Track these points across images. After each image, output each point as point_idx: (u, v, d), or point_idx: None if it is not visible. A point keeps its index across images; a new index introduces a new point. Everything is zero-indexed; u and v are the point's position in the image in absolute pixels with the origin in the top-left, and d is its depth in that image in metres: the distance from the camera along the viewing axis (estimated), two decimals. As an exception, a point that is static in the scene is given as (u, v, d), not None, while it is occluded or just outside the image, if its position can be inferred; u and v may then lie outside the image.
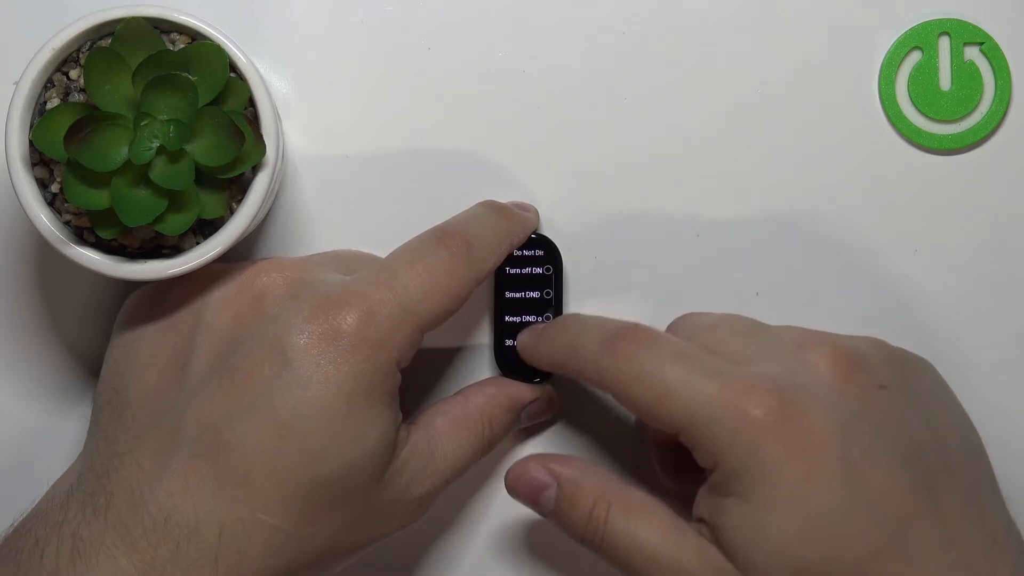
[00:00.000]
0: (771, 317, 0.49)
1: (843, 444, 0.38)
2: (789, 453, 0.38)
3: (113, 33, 0.41)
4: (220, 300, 0.43)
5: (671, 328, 0.44)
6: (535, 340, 0.45)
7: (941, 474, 0.40)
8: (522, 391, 0.47)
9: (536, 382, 0.48)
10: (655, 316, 0.49)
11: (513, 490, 0.44)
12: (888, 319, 0.49)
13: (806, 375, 0.40)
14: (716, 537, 0.39)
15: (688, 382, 0.39)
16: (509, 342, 0.47)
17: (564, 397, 0.49)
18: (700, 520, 0.40)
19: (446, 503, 0.49)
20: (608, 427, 0.49)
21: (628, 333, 0.41)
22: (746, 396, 0.39)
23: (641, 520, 0.41)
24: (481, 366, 0.49)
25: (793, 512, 0.38)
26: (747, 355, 0.41)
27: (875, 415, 0.39)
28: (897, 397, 0.40)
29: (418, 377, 0.49)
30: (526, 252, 0.47)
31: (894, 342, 0.49)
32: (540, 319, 0.47)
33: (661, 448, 0.46)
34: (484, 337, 0.49)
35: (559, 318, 0.46)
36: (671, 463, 0.46)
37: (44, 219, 0.41)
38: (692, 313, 0.44)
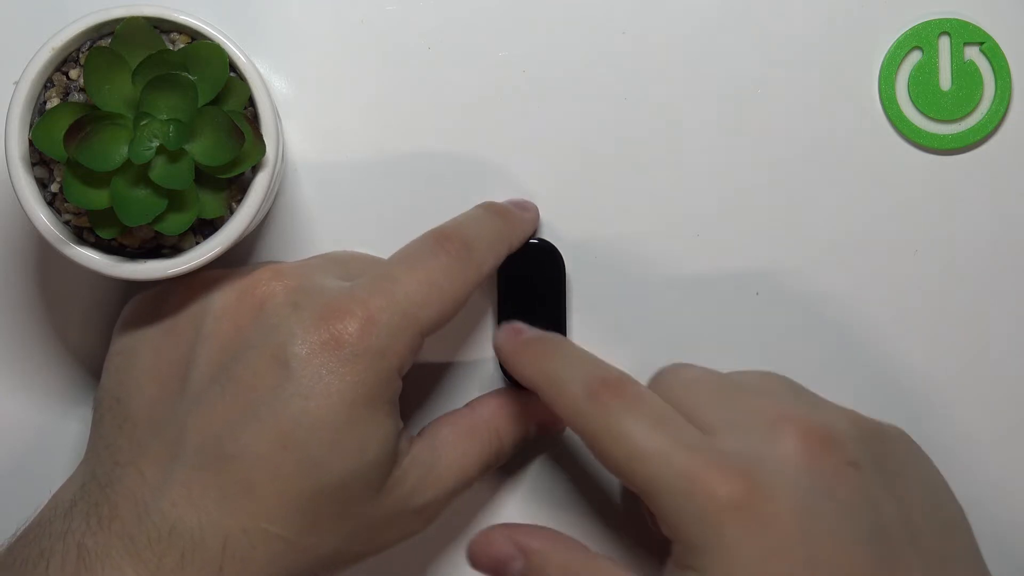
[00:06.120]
0: (771, 317, 0.49)
1: (805, 524, 0.37)
2: (749, 534, 0.37)
3: (113, 33, 0.41)
4: (220, 308, 0.42)
5: (654, 378, 0.43)
6: (515, 350, 0.44)
7: (906, 553, 0.39)
8: (531, 402, 0.47)
9: None
10: (655, 316, 0.49)
11: (476, 562, 0.42)
12: (888, 319, 0.49)
13: (774, 453, 0.39)
14: None
15: (658, 450, 0.38)
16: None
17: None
18: None
19: (451, 516, 0.48)
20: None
21: (612, 386, 0.40)
22: (711, 473, 0.38)
23: None
24: (488, 380, 0.49)
25: None
26: (719, 421, 0.40)
27: (841, 495, 0.38)
28: (866, 475, 0.39)
29: (425, 391, 0.49)
30: (530, 259, 0.47)
31: (894, 343, 0.49)
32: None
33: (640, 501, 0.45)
34: (490, 351, 0.49)
35: (544, 338, 0.44)
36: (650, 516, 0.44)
37: (44, 219, 0.41)
38: (675, 366, 0.43)
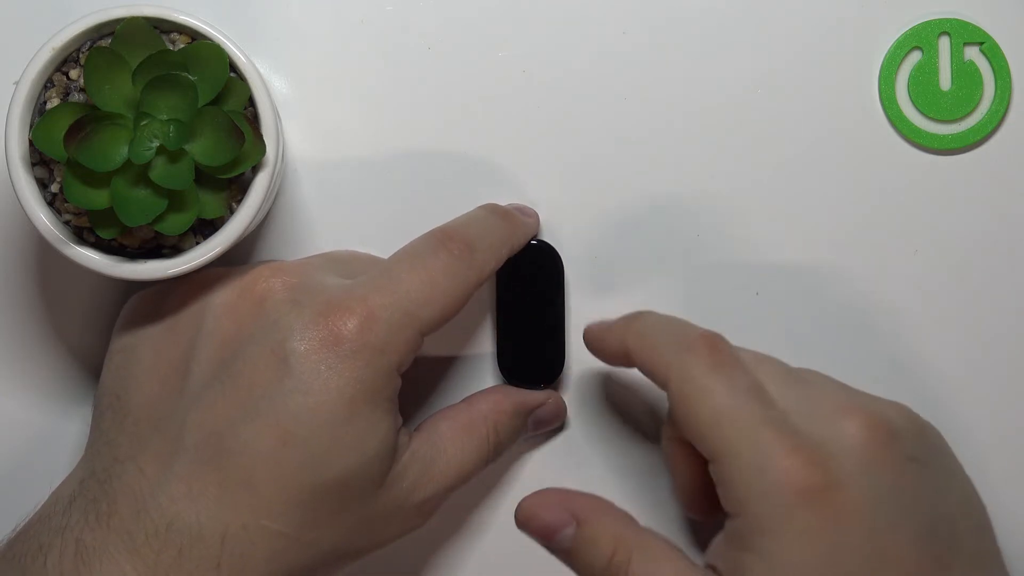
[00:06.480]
0: (771, 317, 0.49)
1: (872, 517, 0.38)
2: (821, 523, 0.37)
3: (113, 33, 0.41)
4: (221, 305, 0.42)
5: None
6: (604, 328, 0.44)
7: (952, 552, 0.39)
8: (528, 396, 0.47)
9: (540, 387, 0.48)
10: (655, 316, 0.49)
11: (525, 525, 0.42)
12: (887, 319, 0.49)
13: (843, 443, 0.39)
14: None
15: (745, 419, 0.38)
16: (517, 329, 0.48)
17: (572, 406, 0.49)
18: (712, 568, 0.39)
19: (450, 510, 0.49)
20: (619, 436, 0.49)
21: (711, 342, 0.40)
22: (791, 455, 0.38)
23: (662, 569, 0.39)
24: (486, 375, 0.49)
25: None
26: (787, 404, 0.40)
27: (903, 488, 0.39)
28: (924, 471, 0.40)
29: (423, 386, 0.49)
30: (529, 260, 0.47)
31: (894, 343, 0.49)
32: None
33: (686, 472, 0.44)
34: (489, 346, 0.49)
35: (633, 313, 0.44)
36: (692, 490, 0.44)
37: (44, 219, 0.41)
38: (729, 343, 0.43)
